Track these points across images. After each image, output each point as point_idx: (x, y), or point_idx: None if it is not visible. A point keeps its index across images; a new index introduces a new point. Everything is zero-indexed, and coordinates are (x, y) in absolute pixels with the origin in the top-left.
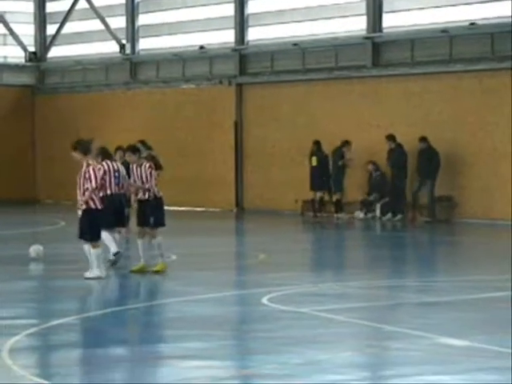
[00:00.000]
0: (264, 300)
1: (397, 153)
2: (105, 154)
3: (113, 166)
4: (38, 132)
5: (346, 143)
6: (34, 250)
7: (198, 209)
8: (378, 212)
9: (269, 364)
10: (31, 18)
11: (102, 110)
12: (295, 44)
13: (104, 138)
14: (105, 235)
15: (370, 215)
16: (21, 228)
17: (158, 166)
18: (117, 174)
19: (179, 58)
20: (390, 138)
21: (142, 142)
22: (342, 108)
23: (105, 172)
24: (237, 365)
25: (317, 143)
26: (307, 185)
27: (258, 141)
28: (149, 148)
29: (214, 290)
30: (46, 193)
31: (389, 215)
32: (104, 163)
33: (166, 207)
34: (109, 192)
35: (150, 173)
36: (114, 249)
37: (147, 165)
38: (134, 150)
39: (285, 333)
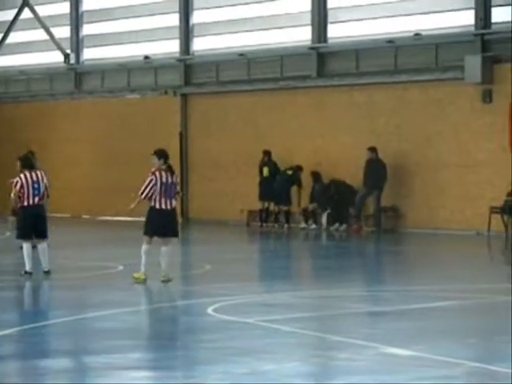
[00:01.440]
0: (209, 310)
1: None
2: (25, 164)
3: (31, 177)
4: None
5: (300, 169)
6: None
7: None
8: (324, 222)
9: (213, 374)
10: None
11: (47, 120)
12: (241, 54)
13: (50, 147)
14: (25, 247)
15: (313, 225)
16: None
17: None
18: (36, 184)
19: (124, 68)
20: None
21: (32, 153)
22: (288, 118)
23: (22, 185)
24: (182, 375)
25: (267, 153)
26: (253, 195)
27: (203, 151)
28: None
29: (159, 300)
30: None
31: (336, 225)
32: (22, 174)
33: (114, 218)
34: (26, 204)
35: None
36: (28, 266)
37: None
38: None
39: (230, 343)
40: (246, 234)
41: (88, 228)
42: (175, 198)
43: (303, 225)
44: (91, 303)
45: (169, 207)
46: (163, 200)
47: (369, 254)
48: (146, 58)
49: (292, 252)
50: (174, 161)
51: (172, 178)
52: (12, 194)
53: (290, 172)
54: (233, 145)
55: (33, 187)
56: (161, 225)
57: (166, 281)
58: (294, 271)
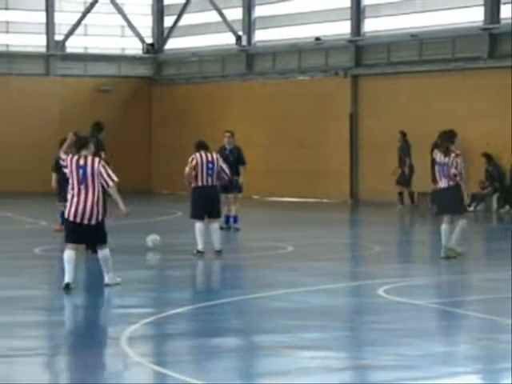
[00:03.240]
0: (380, 291)
1: None
2: (199, 145)
3: (206, 157)
4: (154, 123)
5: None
6: (151, 239)
7: (313, 200)
8: (494, 204)
9: (384, 355)
10: (149, 10)
11: (218, 102)
12: (413, 35)
13: (221, 128)
14: (197, 227)
15: (479, 208)
16: (137, 218)
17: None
18: (210, 165)
19: (295, 50)
20: None
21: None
22: (457, 99)
23: (197, 163)
24: (352, 356)
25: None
26: (423, 177)
27: (373, 132)
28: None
29: (329, 281)
30: (161, 183)
31: (507, 207)
32: (197, 153)
33: (284, 198)
34: (199, 184)
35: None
36: (200, 245)
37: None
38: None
39: (401, 324)
40: (416, 215)
41: (259, 209)
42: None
43: (471, 208)
44: (262, 283)
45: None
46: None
47: None
48: (317, 39)
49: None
50: (344, 142)
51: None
52: (187, 168)
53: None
54: (403, 126)
55: (207, 167)
56: None
57: None
58: (465, 253)
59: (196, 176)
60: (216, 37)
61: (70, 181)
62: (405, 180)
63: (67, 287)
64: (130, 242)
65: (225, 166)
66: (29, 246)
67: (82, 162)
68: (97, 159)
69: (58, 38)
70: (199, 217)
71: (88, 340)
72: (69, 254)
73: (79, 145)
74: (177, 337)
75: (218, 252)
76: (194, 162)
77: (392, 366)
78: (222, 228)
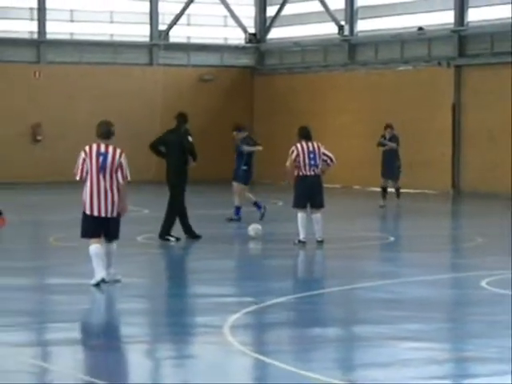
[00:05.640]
0: (483, 283)
1: None
2: (301, 134)
3: (307, 147)
4: (256, 112)
5: None
6: (253, 229)
7: (413, 191)
8: None
9: (489, 348)
10: (251, 0)
11: (320, 92)
12: None
13: (322, 118)
14: (300, 216)
15: None
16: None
17: None
18: (312, 155)
19: (397, 40)
20: None
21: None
22: None
23: (298, 154)
24: (455, 347)
25: None
26: None
27: (476, 123)
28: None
29: (430, 272)
30: (263, 173)
31: None
32: (298, 144)
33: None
34: (301, 173)
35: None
36: (302, 235)
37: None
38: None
39: (505, 317)
40: None
41: (359, 199)
42: None
43: None
44: (363, 273)
45: None
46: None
47: None
48: (420, 29)
49: None
50: (446, 133)
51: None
52: (287, 163)
53: None
54: (507, 117)
55: (309, 157)
56: None
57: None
58: None
59: (298, 166)
60: (318, 26)
61: (89, 170)
62: None
63: (101, 282)
64: (232, 232)
65: (328, 152)
66: (132, 234)
67: (102, 149)
68: (119, 150)
69: (162, 27)
70: (302, 206)
71: (190, 328)
72: (95, 248)
73: (109, 133)
74: (278, 326)
75: (320, 242)
76: (294, 155)
77: (496, 358)
78: (231, 219)
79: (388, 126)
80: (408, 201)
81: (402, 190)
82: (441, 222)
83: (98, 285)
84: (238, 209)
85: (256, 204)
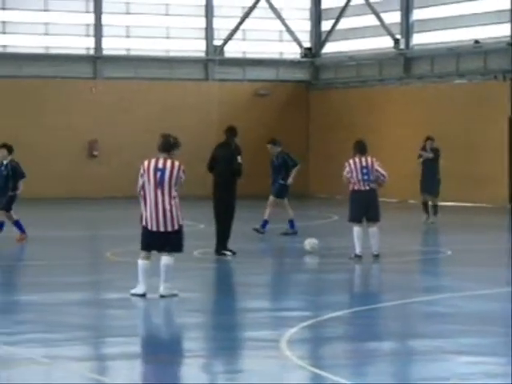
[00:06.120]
0: None
1: None
2: (356, 148)
3: (360, 162)
4: (312, 127)
5: None
6: (309, 243)
7: (469, 204)
8: None
9: None
10: (307, 15)
11: (376, 106)
12: None
13: (378, 132)
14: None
15: None
16: (295, 222)
17: None
18: (365, 170)
19: (453, 53)
20: None
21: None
22: None
23: (349, 170)
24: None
25: None
26: None
27: None
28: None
29: (488, 287)
30: (319, 187)
31: None
32: (351, 160)
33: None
34: (356, 188)
35: None
36: (358, 249)
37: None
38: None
39: None
40: None
41: (415, 213)
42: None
43: None
44: (420, 287)
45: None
46: None
47: None
48: (476, 42)
49: None
50: (502, 146)
51: None
52: (343, 178)
53: None
54: None
55: (361, 172)
56: None
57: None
58: None
59: (352, 182)
60: (373, 40)
61: (146, 185)
62: None
63: (142, 296)
64: (289, 246)
65: (380, 169)
66: (188, 249)
67: (160, 164)
68: (177, 163)
69: (217, 43)
70: (357, 220)
71: (247, 343)
72: (142, 264)
73: (168, 146)
74: (335, 340)
75: (376, 256)
76: (345, 171)
77: None
78: (286, 233)
79: (429, 138)
80: (464, 214)
81: (458, 204)
82: (498, 237)
83: (137, 295)
84: (291, 222)
85: (291, 222)
